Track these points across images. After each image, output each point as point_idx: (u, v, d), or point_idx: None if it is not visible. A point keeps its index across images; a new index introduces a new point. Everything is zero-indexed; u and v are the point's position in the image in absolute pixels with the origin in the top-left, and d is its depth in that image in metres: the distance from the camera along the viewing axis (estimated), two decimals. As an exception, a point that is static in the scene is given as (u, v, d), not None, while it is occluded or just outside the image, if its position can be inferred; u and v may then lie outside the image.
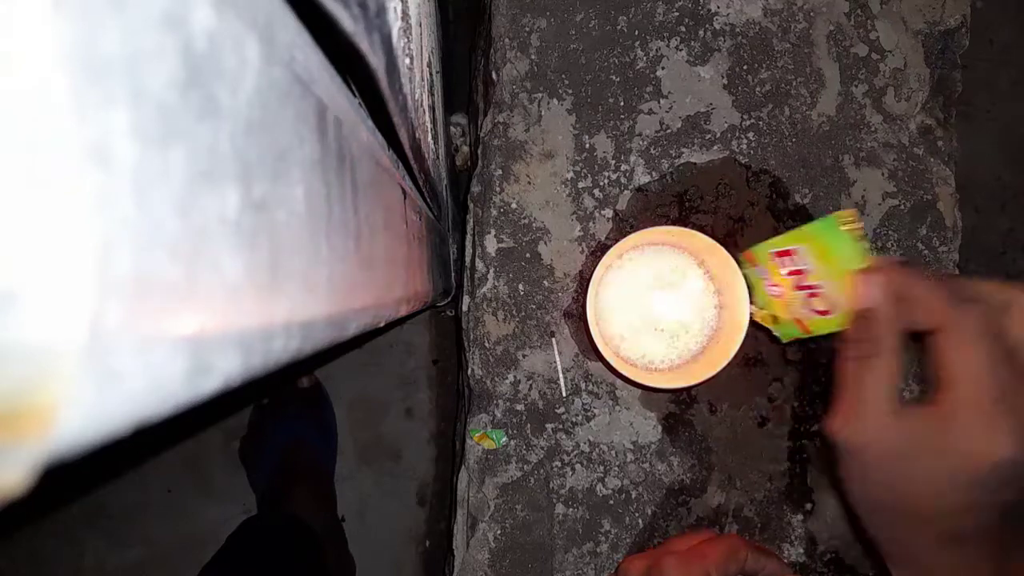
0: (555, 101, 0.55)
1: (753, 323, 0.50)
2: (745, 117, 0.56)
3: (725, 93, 0.56)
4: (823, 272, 0.43)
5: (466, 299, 0.57)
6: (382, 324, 0.30)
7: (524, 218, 0.55)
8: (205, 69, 0.12)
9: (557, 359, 0.55)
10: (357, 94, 0.27)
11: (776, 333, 0.49)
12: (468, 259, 0.58)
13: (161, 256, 0.10)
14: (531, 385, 0.55)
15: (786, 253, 0.46)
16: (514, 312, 0.55)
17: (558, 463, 0.55)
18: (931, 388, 0.36)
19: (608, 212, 0.55)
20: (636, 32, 0.56)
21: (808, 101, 0.56)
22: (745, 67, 0.56)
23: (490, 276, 0.55)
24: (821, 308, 0.44)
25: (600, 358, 0.52)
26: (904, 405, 0.37)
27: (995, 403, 0.34)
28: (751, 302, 0.49)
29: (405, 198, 0.36)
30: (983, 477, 0.34)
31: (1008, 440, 0.34)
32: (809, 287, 0.44)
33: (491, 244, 0.55)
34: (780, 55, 0.56)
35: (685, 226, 0.51)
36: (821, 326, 0.45)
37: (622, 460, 0.55)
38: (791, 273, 0.46)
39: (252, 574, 0.74)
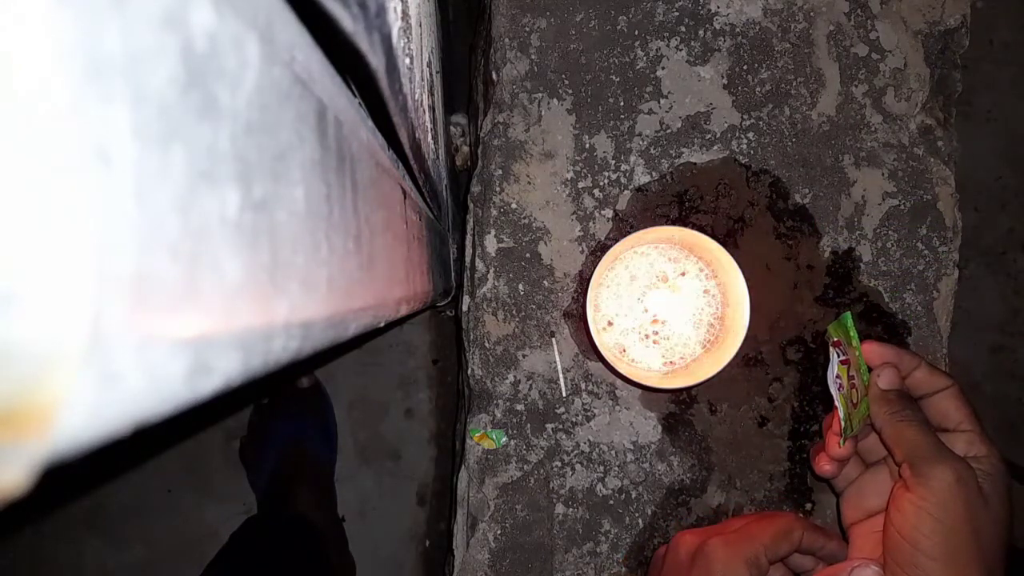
0: (555, 101, 0.55)
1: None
2: (745, 117, 0.56)
3: (725, 93, 0.56)
4: (855, 364, 0.45)
5: (466, 299, 0.57)
6: (382, 324, 0.30)
7: (524, 218, 0.55)
8: (205, 69, 0.12)
9: (557, 359, 0.55)
10: (357, 94, 0.27)
11: (846, 434, 0.46)
12: (468, 259, 0.58)
13: (161, 256, 0.10)
14: (531, 385, 0.55)
15: (837, 343, 0.47)
16: (514, 312, 0.55)
17: (558, 463, 0.55)
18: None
19: (608, 212, 0.55)
20: (636, 32, 0.56)
21: (808, 101, 0.56)
22: (745, 67, 0.56)
23: (490, 276, 0.55)
24: (855, 400, 0.45)
25: (600, 358, 0.52)
26: None
27: None
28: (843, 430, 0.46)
29: (405, 198, 0.36)
30: None
31: None
32: (852, 377, 0.46)
33: (491, 244, 0.55)
34: (780, 55, 0.56)
35: (685, 226, 0.51)
36: (858, 418, 0.45)
37: (622, 460, 0.55)
38: (843, 362, 0.46)
39: (253, 574, 0.74)
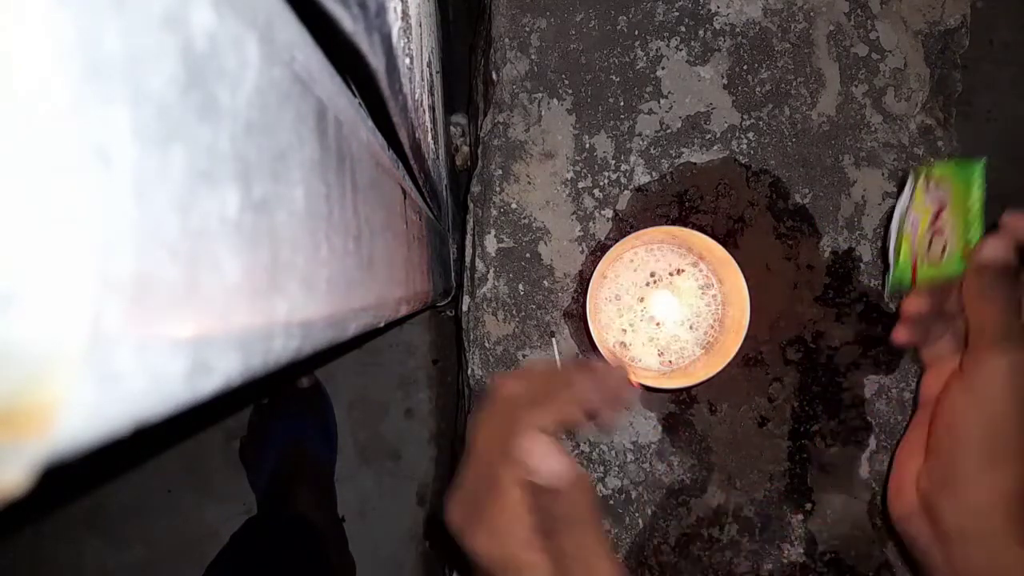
0: (555, 101, 0.55)
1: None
2: (745, 117, 0.56)
3: (725, 93, 0.56)
4: (954, 215, 0.40)
5: (466, 299, 0.57)
6: (382, 324, 0.30)
7: (524, 218, 0.55)
8: (205, 69, 0.12)
9: (557, 359, 0.55)
10: (357, 94, 0.27)
11: (889, 280, 0.42)
12: (468, 259, 0.58)
13: (161, 256, 0.10)
14: (531, 385, 0.55)
15: (935, 183, 0.42)
16: (514, 312, 0.55)
17: (558, 463, 0.55)
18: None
19: (608, 212, 0.55)
20: (636, 32, 0.56)
21: (808, 101, 0.56)
22: (745, 67, 0.56)
23: (490, 276, 0.55)
24: (930, 251, 0.40)
25: (600, 358, 0.52)
26: None
27: None
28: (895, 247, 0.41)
29: (405, 198, 0.36)
30: None
31: None
32: (937, 227, 0.41)
33: (491, 244, 0.55)
34: (780, 55, 0.56)
35: (685, 226, 0.51)
36: (928, 273, 0.40)
37: (622, 460, 0.55)
38: (937, 209, 0.41)
39: (254, 574, 0.74)
